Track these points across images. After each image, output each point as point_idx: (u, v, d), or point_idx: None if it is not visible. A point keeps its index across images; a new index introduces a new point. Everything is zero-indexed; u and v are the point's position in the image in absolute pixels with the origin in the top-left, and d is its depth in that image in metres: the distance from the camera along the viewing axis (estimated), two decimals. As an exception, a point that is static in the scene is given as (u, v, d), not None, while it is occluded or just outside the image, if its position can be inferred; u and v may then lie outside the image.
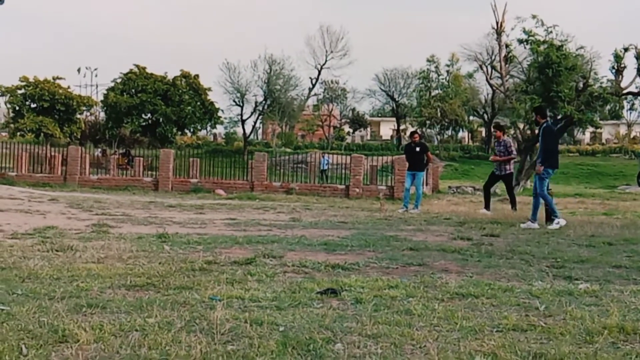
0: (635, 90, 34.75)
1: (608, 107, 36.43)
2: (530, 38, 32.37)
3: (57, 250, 7.20)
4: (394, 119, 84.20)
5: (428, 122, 70.28)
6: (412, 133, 18.70)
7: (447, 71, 70.72)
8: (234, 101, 67.91)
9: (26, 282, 5.43)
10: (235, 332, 3.99)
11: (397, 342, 3.87)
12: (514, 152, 15.69)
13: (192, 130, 68.99)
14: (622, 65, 36.58)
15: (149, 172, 31.02)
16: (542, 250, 8.35)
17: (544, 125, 12.53)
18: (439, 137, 75.95)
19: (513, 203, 15.75)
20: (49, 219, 11.69)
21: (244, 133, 70.14)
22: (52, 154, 31.22)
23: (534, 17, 32.07)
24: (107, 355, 3.54)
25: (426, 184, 27.54)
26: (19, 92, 60.42)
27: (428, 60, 71.25)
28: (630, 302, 5.11)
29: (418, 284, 5.67)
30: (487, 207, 15.60)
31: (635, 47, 33.91)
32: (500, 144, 15.80)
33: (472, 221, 12.84)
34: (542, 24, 32.11)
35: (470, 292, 5.32)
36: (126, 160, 40.51)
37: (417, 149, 17.39)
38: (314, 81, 79.49)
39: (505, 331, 4.17)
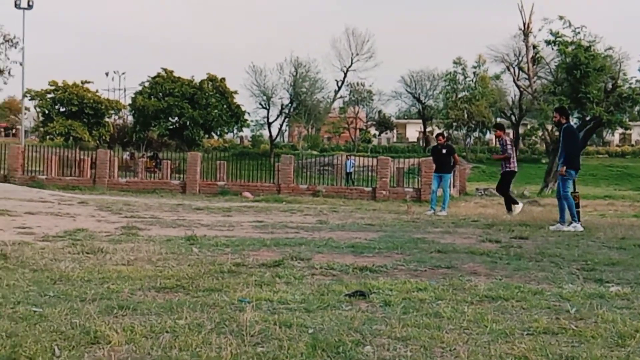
0: (666, 91, 34.30)
1: (637, 108, 35.80)
2: (558, 39, 32.15)
3: (87, 253, 7.28)
4: (420, 121, 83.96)
5: (455, 124, 69.97)
6: (438, 135, 18.66)
7: (474, 73, 70.35)
8: (260, 104, 68.20)
9: (57, 284, 5.50)
10: (265, 334, 4.00)
11: (426, 345, 3.85)
12: (508, 150, 15.59)
13: (218, 133, 69.46)
14: (652, 66, 36.20)
15: (177, 175, 31.25)
16: (572, 252, 8.27)
17: (565, 126, 12.41)
18: (468, 139, 75.54)
19: (509, 202, 15.60)
20: (79, 221, 11.82)
21: (270, 136, 70.37)
22: (81, 157, 31.59)
23: (561, 18, 31.88)
24: (139, 357, 3.57)
25: (453, 186, 27.42)
26: (48, 96, 61.26)
27: (454, 62, 70.93)
28: (662, 305, 5.04)
29: (447, 287, 5.64)
30: (510, 207, 15.47)
31: (666, 47, 33.53)
32: (500, 142, 15.93)
33: (501, 224, 12.78)
34: (570, 25, 31.93)
35: (499, 294, 5.28)
36: (154, 164, 40.88)
37: (444, 151, 17.33)
38: (339, 84, 79.56)
39: (535, 334, 4.13)
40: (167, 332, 4.00)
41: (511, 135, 56.97)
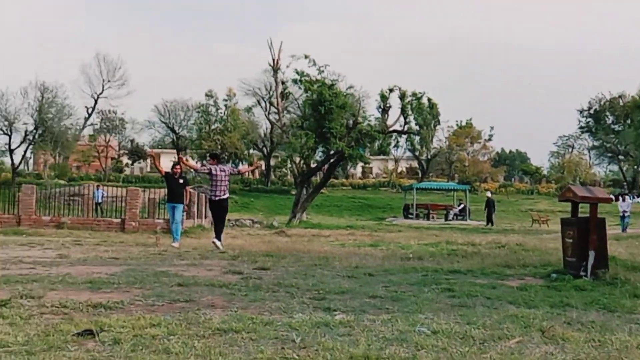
0: (399, 128, 37.30)
1: (377, 143, 38.47)
2: (303, 78, 33.67)
3: None
4: (175, 151, 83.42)
5: (208, 154, 70.30)
6: (174, 164, 18.14)
7: (226, 105, 71.38)
8: (1, 130, 63.80)
9: None
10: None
11: (151, 383, 3.84)
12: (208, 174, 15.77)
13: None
14: (388, 105, 39.27)
15: None
16: (307, 282, 8.67)
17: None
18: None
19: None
20: None
21: (12, 164, 65.92)
22: None
23: (306, 57, 33.45)
24: None
25: (205, 217, 27.59)
26: None
27: (206, 95, 71.52)
28: (379, 331, 5.47)
29: (181, 321, 5.66)
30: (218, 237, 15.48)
31: (399, 89, 36.51)
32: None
33: (246, 254, 13.03)
34: (315, 64, 33.58)
35: (232, 327, 5.41)
36: None
37: (180, 181, 17.21)
38: (90, 110, 76.84)
39: (259, 365, 4.28)
40: None
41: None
